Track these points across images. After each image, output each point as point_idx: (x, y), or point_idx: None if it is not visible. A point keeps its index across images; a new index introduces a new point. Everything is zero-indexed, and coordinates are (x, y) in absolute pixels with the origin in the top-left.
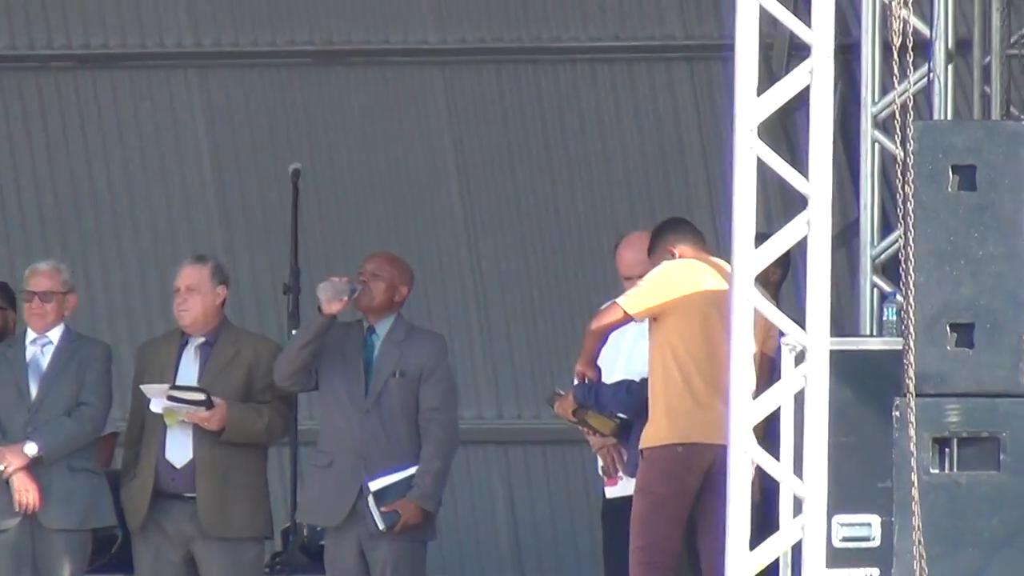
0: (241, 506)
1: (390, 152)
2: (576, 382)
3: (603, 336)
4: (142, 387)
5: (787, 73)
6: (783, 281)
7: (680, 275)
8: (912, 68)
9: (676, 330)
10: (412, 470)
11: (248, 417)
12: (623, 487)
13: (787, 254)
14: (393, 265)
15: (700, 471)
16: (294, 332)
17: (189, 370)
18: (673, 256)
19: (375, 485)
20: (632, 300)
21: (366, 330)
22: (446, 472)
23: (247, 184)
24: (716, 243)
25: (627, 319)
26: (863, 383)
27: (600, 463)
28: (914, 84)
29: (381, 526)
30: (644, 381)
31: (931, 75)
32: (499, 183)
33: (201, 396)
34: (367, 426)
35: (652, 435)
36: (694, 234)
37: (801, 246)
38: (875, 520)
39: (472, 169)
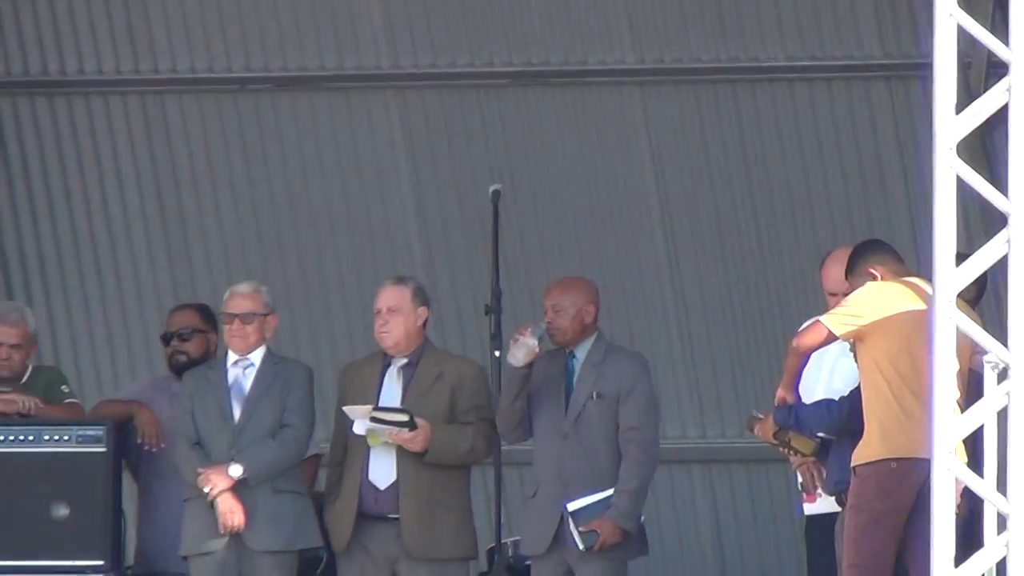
0: (446, 527)
1: (589, 172)
2: (776, 405)
3: (806, 355)
4: (345, 409)
5: (986, 91)
6: (979, 299)
7: (884, 295)
8: None
9: (883, 349)
10: (610, 491)
11: (452, 438)
12: (821, 504)
13: (983, 272)
14: (571, 291)
15: (914, 487)
16: (496, 354)
17: (392, 391)
18: (874, 277)
19: (573, 506)
20: (837, 320)
21: (567, 354)
22: (643, 491)
23: (447, 205)
24: (916, 261)
25: (831, 339)
26: None
27: (799, 480)
28: None
29: (581, 546)
30: (843, 400)
31: None
32: (698, 201)
33: (404, 417)
34: (567, 450)
35: (865, 452)
36: (893, 255)
37: (1001, 264)
38: None
39: (671, 188)
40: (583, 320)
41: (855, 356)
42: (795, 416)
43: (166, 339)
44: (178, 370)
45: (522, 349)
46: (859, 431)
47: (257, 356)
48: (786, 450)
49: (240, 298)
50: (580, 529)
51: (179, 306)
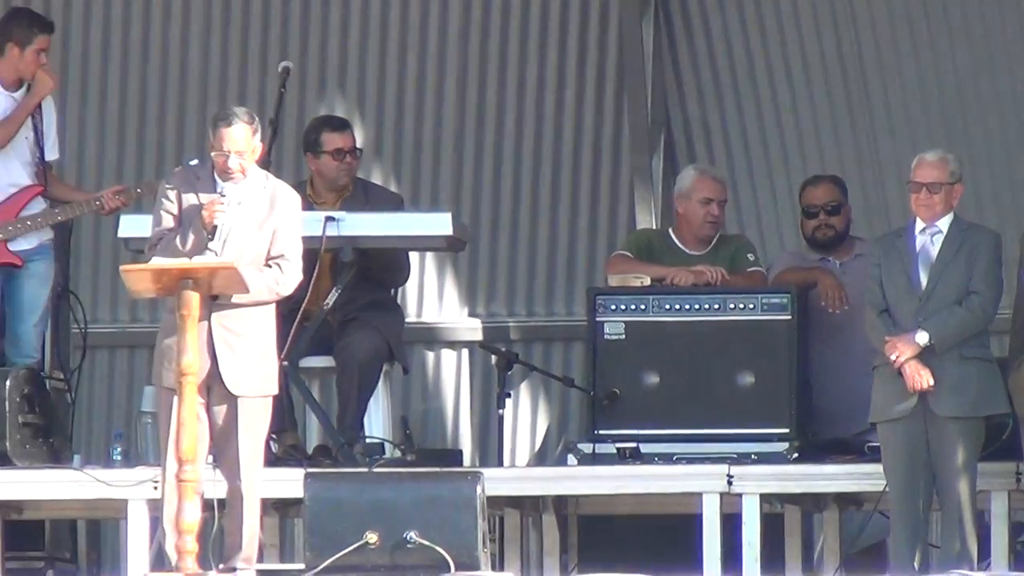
0: None
1: None
2: None
3: None
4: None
5: None
6: None
7: None
8: None
9: None
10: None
11: None
12: None
13: None
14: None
15: None
16: None
17: None
18: None
19: None
20: None
21: None
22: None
23: None
24: None
25: None
26: None
27: None
28: None
29: None
30: None
31: None
32: None
33: None
34: None
35: None
36: None
37: None
38: None
39: None
40: None
41: None
42: None
43: (811, 213)
44: (825, 244)
45: None
46: None
47: (944, 223)
48: None
49: (928, 167)
50: None
51: (814, 179)
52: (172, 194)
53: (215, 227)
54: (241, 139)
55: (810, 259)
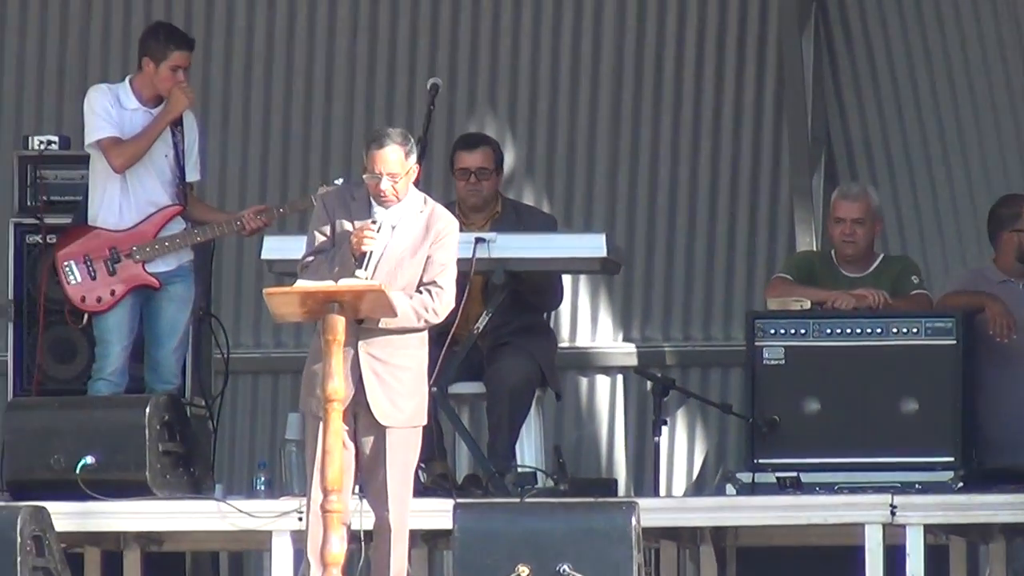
0: None
1: None
2: None
3: None
4: None
5: None
6: None
7: None
8: None
9: None
10: None
11: None
12: None
13: None
14: None
15: None
16: None
17: None
18: None
19: None
20: None
21: None
22: None
23: None
24: None
25: None
26: None
27: None
28: None
29: None
30: None
31: None
32: None
33: None
34: None
35: None
36: None
37: None
38: None
39: None
40: None
41: None
42: None
43: None
44: None
45: None
46: None
47: None
48: None
49: None
50: None
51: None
52: (325, 214)
53: (364, 254)
54: (394, 161)
55: (991, 280)
